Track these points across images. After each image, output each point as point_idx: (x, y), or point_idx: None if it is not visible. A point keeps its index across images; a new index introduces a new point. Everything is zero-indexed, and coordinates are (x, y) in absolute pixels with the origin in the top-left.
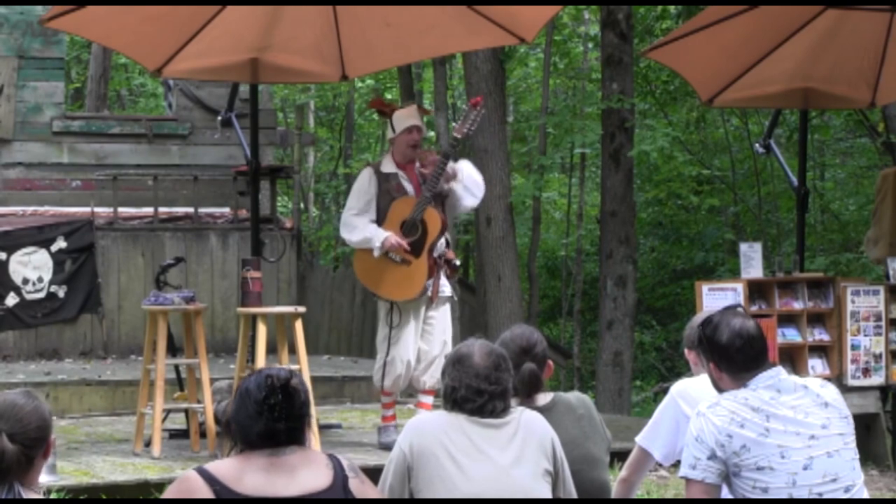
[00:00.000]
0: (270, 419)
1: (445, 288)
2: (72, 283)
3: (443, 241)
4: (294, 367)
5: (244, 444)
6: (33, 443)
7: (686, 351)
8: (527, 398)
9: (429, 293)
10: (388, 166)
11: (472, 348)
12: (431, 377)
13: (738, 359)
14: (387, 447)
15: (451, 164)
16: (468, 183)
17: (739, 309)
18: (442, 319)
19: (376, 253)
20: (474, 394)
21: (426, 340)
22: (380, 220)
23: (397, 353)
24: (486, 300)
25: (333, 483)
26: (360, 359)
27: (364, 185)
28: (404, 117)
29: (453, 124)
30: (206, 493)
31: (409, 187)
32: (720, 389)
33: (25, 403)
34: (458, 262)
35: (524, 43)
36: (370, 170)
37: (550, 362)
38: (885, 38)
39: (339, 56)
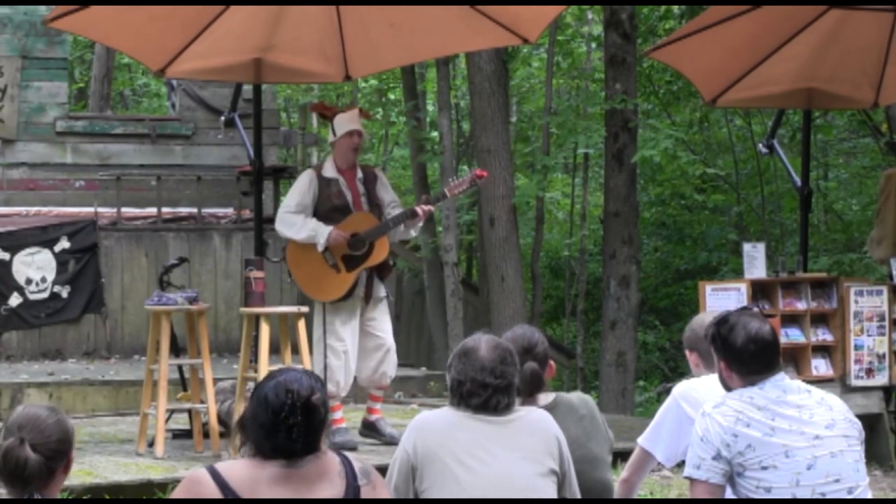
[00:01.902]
0: (288, 439)
1: (380, 289)
2: (75, 284)
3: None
4: (297, 367)
5: (257, 451)
6: (54, 454)
7: (687, 352)
8: (529, 398)
9: (361, 294)
10: (330, 171)
11: (479, 342)
12: (384, 375)
13: (750, 363)
14: (341, 447)
15: (422, 214)
16: (414, 231)
17: (756, 310)
18: (382, 320)
19: (320, 248)
20: (479, 388)
21: (369, 340)
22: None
23: (335, 358)
24: (490, 300)
25: (345, 495)
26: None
27: (304, 187)
28: (345, 121)
29: (450, 180)
30: (216, 496)
31: (347, 194)
32: (728, 388)
33: (48, 416)
34: (392, 262)
35: (527, 43)
36: (312, 173)
37: (552, 362)
38: (889, 39)
39: (343, 56)
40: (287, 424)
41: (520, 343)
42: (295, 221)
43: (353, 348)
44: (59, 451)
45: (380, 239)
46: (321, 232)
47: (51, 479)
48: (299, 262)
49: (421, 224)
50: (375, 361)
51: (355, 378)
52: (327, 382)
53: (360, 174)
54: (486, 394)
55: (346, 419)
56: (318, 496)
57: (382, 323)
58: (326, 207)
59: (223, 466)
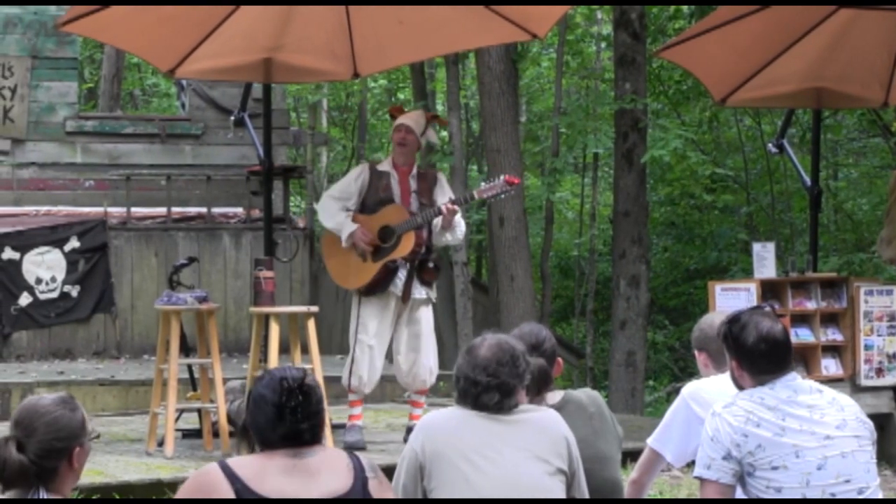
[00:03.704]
0: (294, 421)
1: (418, 291)
2: (85, 283)
3: (423, 248)
4: (307, 366)
5: (265, 447)
6: (46, 452)
7: (696, 352)
8: (537, 395)
9: (398, 293)
10: (385, 166)
11: (483, 341)
12: (416, 378)
13: (761, 362)
14: (351, 447)
15: (457, 217)
16: (452, 236)
17: (768, 309)
18: (420, 323)
19: (344, 244)
20: (471, 385)
21: (405, 342)
22: (362, 213)
23: (361, 353)
24: (499, 300)
25: (353, 486)
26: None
27: (352, 176)
28: (399, 119)
29: (482, 183)
30: (227, 489)
31: (396, 189)
32: (740, 387)
33: (45, 413)
34: (431, 265)
35: (536, 39)
36: (365, 165)
37: (560, 359)
38: None
39: (351, 54)
40: (290, 407)
41: (527, 340)
42: (330, 207)
43: (380, 345)
44: (52, 450)
45: (408, 233)
46: (346, 227)
47: (54, 475)
48: (332, 250)
49: (461, 229)
50: (409, 364)
51: (386, 379)
52: (351, 376)
53: (415, 172)
54: (476, 391)
55: (362, 416)
56: (324, 486)
57: (420, 325)
58: (373, 200)
59: (231, 460)
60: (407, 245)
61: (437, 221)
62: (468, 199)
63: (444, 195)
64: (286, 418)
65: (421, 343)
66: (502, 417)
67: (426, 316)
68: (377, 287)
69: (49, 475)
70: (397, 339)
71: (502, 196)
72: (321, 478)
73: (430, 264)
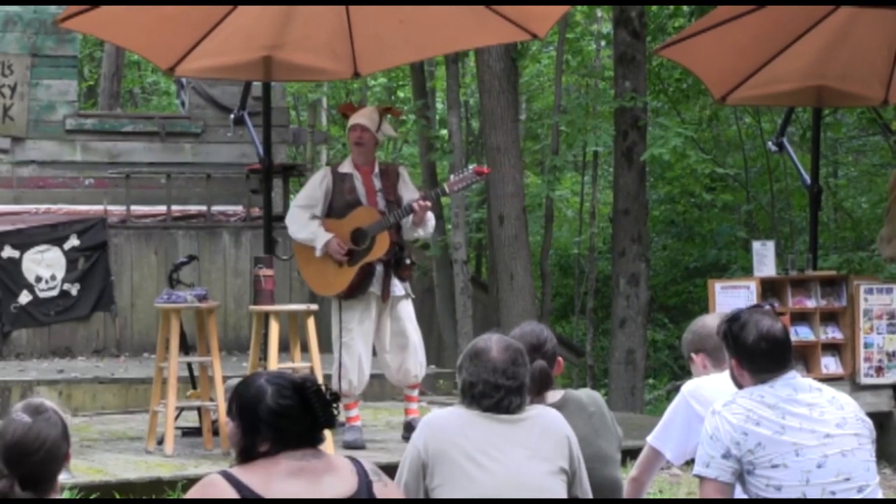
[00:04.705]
0: (325, 411)
1: (397, 288)
2: (85, 282)
3: (397, 247)
4: (307, 364)
5: (277, 448)
6: (47, 474)
7: (693, 355)
8: (537, 396)
9: (377, 293)
10: (346, 167)
11: (490, 343)
12: (407, 374)
13: (761, 361)
14: (350, 445)
15: (429, 213)
16: (423, 231)
17: (768, 308)
18: (403, 319)
19: (318, 253)
20: (492, 389)
21: (390, 339)
22: (330, 218)
23: (348, 357)
24: (499, 298)
25: (358, 489)
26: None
27: (316, 182)
28: (352, 118)
29: (451, 176)
30: (233, 496)
31: (360, 189)
32: (740, 386)
33: (34, 440)
34: (409, 261)
35: (536, 38)
36: (327, 169)
37: (560, 359)
38: None
39: (352, 53)
40: (318, 395)
41: (528, 340)
42: (299, 218)
43: (366, 348)
44: (51, 468)
45: (381, 234)
46: (320, 238)
47: (51, 485)
48: (306, 259)
49: (431, 223)
50: (398, 361)
51: (383, 376)
52: (340, 380)
53: (377, 170)
54: (499, 395)
55: (360, 417)
56: (329, 489)
57: (403, 322)
58: (340, 203)
59: (235, 469)
60: (382, 246)
61: (408, 217)
62: (439, 193)
63: (408, 190)
64: (315, 405)
65: (406, 341)
66: (505, 417)
67: (407, 311)
68: (357, 290)
69: (49, 488)
70: (381, 337)
71: (472, 186)
72: (325, 481)
73: (407, 261)
